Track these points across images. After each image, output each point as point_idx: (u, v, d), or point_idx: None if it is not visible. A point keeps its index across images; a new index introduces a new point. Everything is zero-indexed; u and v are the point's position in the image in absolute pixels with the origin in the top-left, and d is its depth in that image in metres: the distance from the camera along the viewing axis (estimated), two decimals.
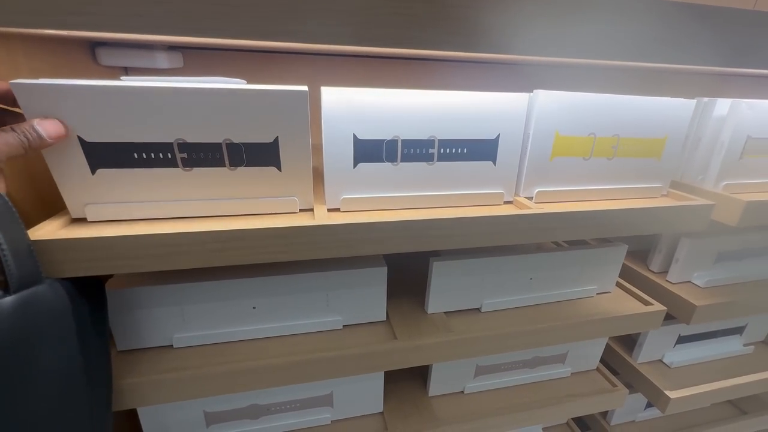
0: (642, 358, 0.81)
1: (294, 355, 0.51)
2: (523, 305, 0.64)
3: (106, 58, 0.57)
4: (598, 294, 0.69)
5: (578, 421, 0.91)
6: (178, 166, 0.40)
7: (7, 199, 0.32)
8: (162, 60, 0.59)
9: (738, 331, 0.88)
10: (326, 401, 0.62)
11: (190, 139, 0.39)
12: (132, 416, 0.53)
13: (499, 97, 0.46)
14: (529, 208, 0.49)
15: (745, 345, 0.89)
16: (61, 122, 0.36)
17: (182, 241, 0.38)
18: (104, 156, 0.38)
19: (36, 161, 0.38)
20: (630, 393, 0.75)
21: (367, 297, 0.56)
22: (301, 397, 0.60)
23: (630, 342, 0.84)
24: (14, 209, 0.33)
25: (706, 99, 0.62)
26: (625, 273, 0.77)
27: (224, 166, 0.41)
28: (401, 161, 0.46)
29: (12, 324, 0.32)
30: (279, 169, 0.42)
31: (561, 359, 0.74)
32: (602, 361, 0.78)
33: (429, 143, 0.46)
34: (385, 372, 0.62)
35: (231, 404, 0.57)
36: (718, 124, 0.60)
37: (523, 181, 0.51)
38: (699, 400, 0.77)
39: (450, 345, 0.56)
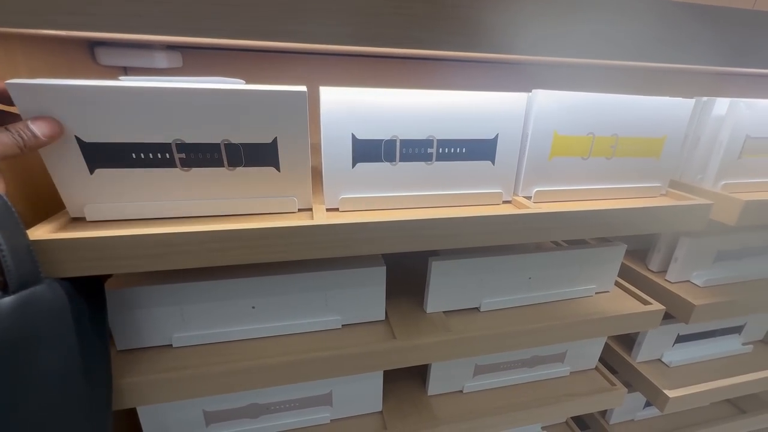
0: (641, 357, 0.81)
1: (293, 355, 0.51)
2: (522, 305, 0.65)
3: (106, 57, 0.57)
4: (597, 293, 0.69)
5: (577, 420, 0.91)
6: (176, 167, 0.40)
7: (6, 199, 0.32)
8: (161, 60, 0.59)
9: (737, 330, 0.88)
10: (325, 400, 0.62)
11: (188, 140, 0.39)
12: (132, 415, 0.53)
13: (498, 97, 0.46)
14: (528, 207, 0.49)
15: (743, 344, 0.89)
16: (56, 120, 0.35)
17: (181, 241, 0.38)
18: (102, 156, 0.38)
19: (35, 161, 0.38)
20: (629, 392, 0.75)
21: (366, 296, 0.56)
22: (301, 397, 0.60)
23: (629, 341, 0.84)
24: (13, 209, 0.33)
25: (704, 98, 0.61)
26: (624, 272, 0.77)
27: (223, 166, 0.41)
28: (400, 161, 0.46)
29: (11, 324, 0.32)
30: (278, 169, 0.42)
31: (560, 358, 0.74)
32: (601, 360, 0.78)
33: (428, 143, 0.46)
34: (384, 371, 0.62)
35: (230, 403, 0.57)
36: (717, 124, 0.60)
37: (522, 180, 0.51)
38: (698, 399, 0.77)
39: (449, 344, 0.56)
